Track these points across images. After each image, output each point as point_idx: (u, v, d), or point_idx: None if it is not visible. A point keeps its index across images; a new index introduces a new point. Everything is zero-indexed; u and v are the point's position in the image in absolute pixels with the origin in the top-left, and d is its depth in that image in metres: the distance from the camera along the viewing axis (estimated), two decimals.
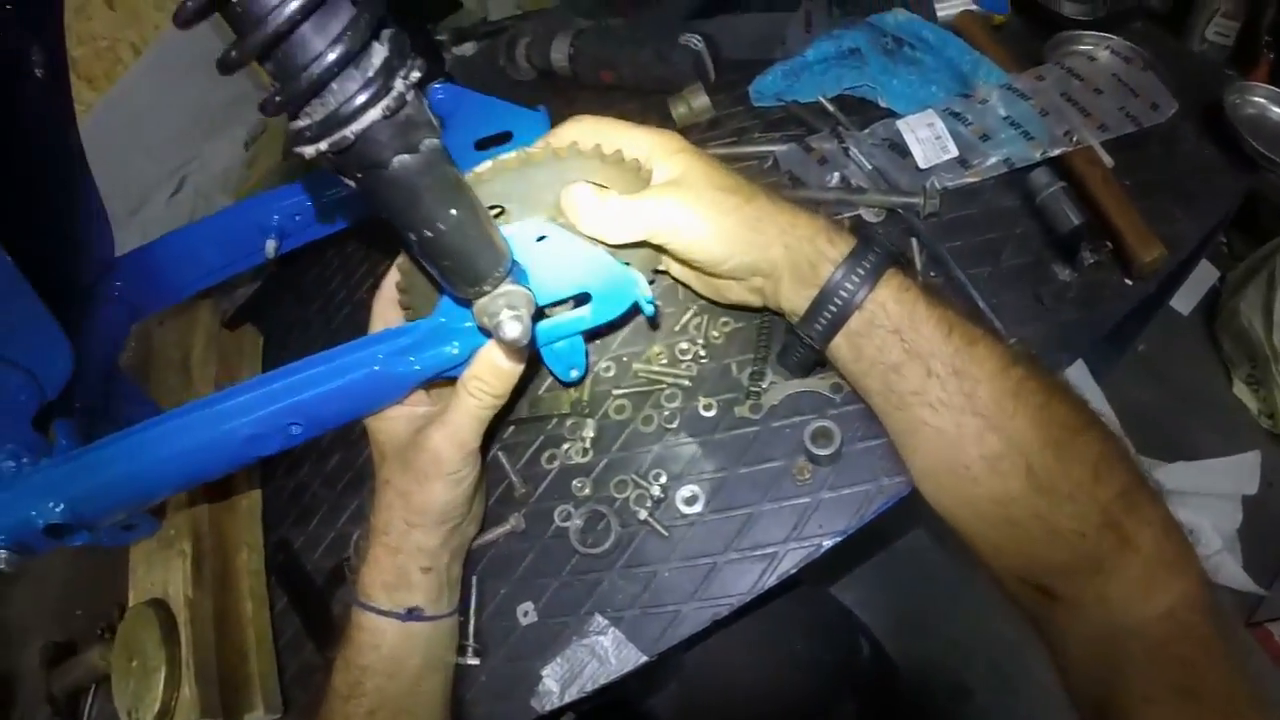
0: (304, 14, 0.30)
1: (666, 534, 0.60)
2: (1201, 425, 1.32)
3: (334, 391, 0.54)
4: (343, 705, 0.55)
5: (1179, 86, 0.79)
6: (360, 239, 0.93)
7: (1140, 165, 0.76)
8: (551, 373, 0.62)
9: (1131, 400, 1.29)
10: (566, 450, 0.66)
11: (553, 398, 0.67)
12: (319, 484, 0.79)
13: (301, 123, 0.34)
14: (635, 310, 0.57)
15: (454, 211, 0.40)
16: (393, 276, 0.56)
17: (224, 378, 0.85)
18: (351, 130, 0.33)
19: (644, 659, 0.58)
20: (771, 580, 0.58)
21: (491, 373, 0.51)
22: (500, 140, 0.73)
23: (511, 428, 0.69)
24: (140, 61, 1.15)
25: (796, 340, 0.55)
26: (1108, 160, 0.74)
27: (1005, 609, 0.52)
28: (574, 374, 0.62)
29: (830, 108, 0.78)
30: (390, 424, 0.56)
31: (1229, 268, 1.41)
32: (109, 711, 0.82)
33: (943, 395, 0.48)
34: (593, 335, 0.63)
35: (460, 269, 0.44)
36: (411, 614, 0.55)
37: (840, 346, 0.52)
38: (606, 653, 0.59)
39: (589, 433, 0.65)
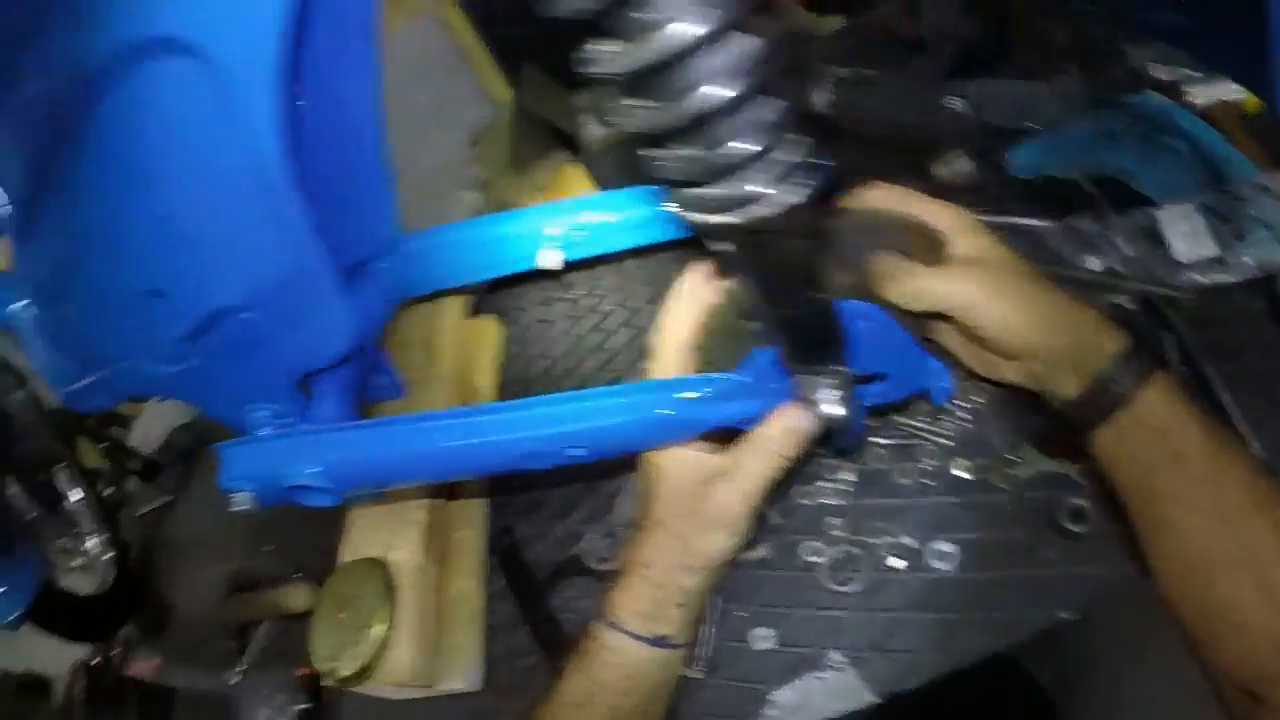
0: (751, 95, 0.33)
1: (914, 585, 0.64)
2: None
3: (624, 425, 0.58)
4: (574, 712, 0.59)
5: None
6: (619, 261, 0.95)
7: None
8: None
9: None
10: (821, 488, 0.70)
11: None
12: (554, 479, 0.83)
13: (702, 192, 0.37)
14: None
15: (819, 295, 0.45)
16: (691, 325, 0.60)
17: (465, 362, 0.90)
18: (770, 209, 0.36)
19: (875, 700, 0.62)
20: (1011, 643, 0.62)
21: (789, 437, 0.55)
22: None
23: None
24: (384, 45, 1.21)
25: (1061, 425, 0.58)
26: None
27: None
28: (852, 442, 0.66)
29: (1089, 187, 0.80)
30: (677, 466, 0.59)
31: None
32: (279, 647, 0.91)
33: (1192, 497, 0.51)
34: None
35: (806, 348, 0.49)
36: (660, 641, 0.58)
37: (1104, 436, 0.55)
38: (839, 689, 0.63)
39: (848, 475, 0.70)
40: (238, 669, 0.96)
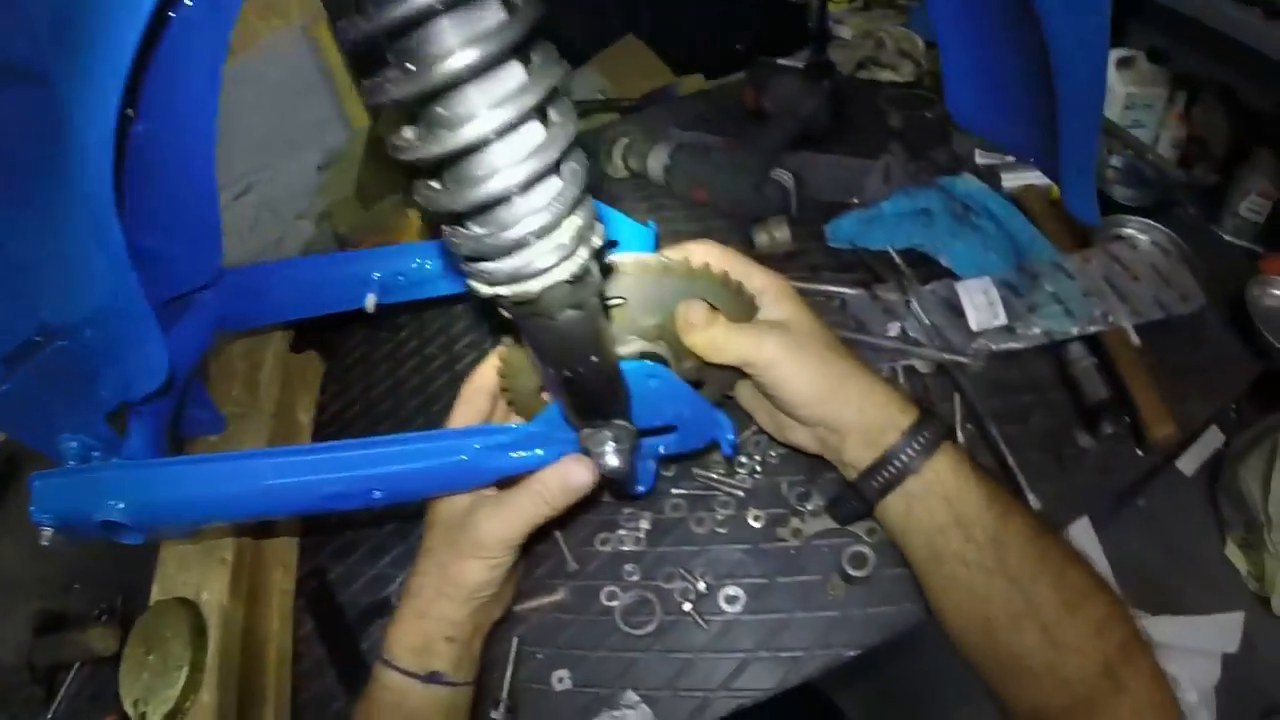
0: (522, 188, 0.36)
1: (705, 627, 0.67)
2: (1192, 582, 1.38)
3: (424, 471, 0.60)
4: None
5: (1210, 273, 0.88)
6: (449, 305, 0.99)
7: (1166, 347, 0.84)
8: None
9: (1128, 552, 1.36)
10: (621, 536, 0.73)
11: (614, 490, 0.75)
12: (365, 521, 0.84)
13: (485, 266, 0.39)
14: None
15: (594, 359, 0.47)
16: (492, 367, 0.63)
17: (286, 398, 0.90)
18: (535, 286, 0.39)
19: None
20: (795, 680, 0.64)
21: (561, 489, 0.57)
22: (607, 246, 0.81)
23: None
24: (236, 64, 1.18)
25: (850, 494, 0.61)
26: (1136, 341, 0.82)
27: None
28: (640, 490, 0.69)
29: (897, 259, 0.86)
30: (448, 498, 0.62)
31: (1235, 434, 1.49)
32: (89, 692, 0.86)
33: (978, 558, 0.54)
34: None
35: (586, 406, 0.52)
36: (432, 677, 0.59)
37: (891, 506, 0.58)
38: None
39: (645, 524, 0.73)
40: (48, 717, 0.89)
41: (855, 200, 0.92)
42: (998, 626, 0.54)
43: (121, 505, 0.62)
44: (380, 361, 0.98)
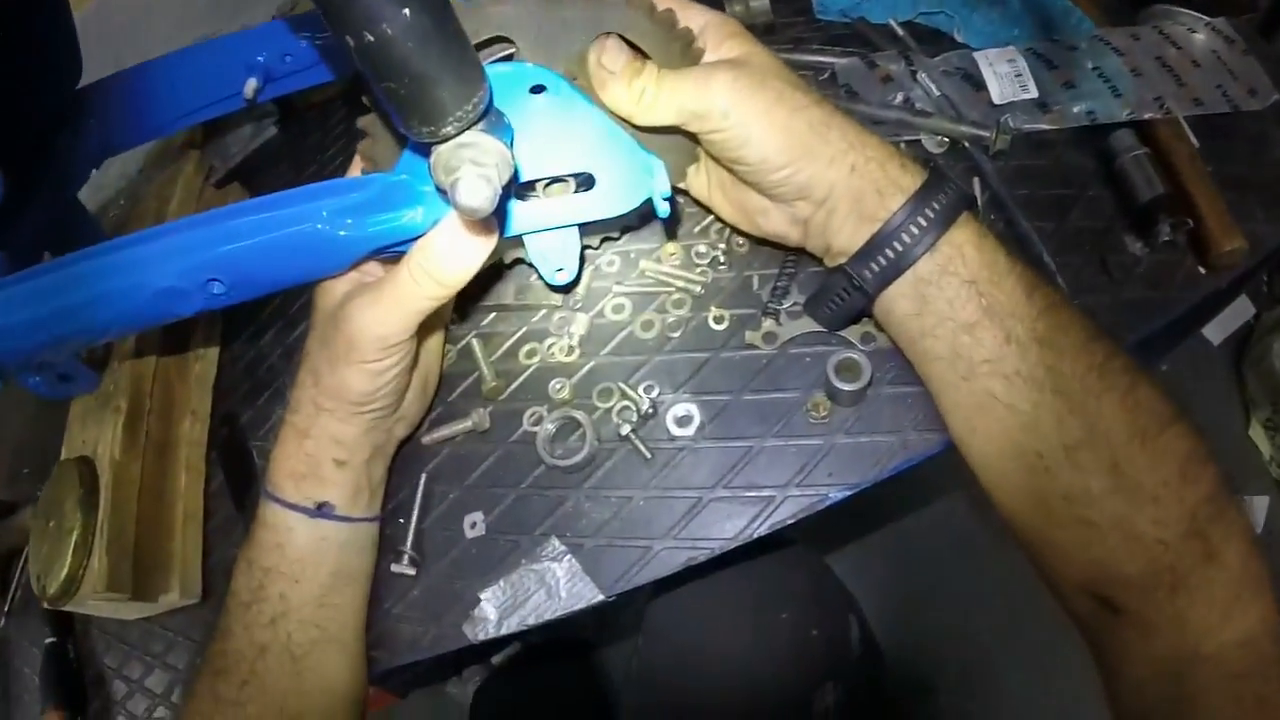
0: None
1: (649, 456, 0.52)
2: None
3: (263, 246, 0.45)
4: (243, 613, 0.48)
5: (1276, 83, 0.72)
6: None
7: (1227, 156, 0.68)
8: (534, 270, 0.54)
9: None
10: (550, 347, 0.58)
11: (543, 287, 0.59)
12: (278, 356, 0.71)
13: None
14: (646, 207, 0.48)
15: (406, 11, 0.30)
16: (359, 154, 0.48)
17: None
18: None
19: (599, 597, 0.50)
20: (762, 528, 0.50)
21: (440, 255, 0.41)
22: None
23: (492, 314, 0.61)
24: None
25: (842, 282, 0.46)
26: (1193, 139, 0.67)
27: (990, 612, 0.44)
28: (560, 276, 0.53)
29: (900, 32, 0.70)
30: (323, 291, 0.48)
31: (1267, 307, 1.34)
32: None
33: (1021, 366, 0.40)
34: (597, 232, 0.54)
35: (413, 95, 0.33)
36: (321, 510, 0.48)
37: (898, 298, 0.44)
38: (558, 584, 0.51)
39: (579, 329, 0.57)
40: (5, 608, 0.85)
41: None
42: (1048, 462, 0.40)
43: None
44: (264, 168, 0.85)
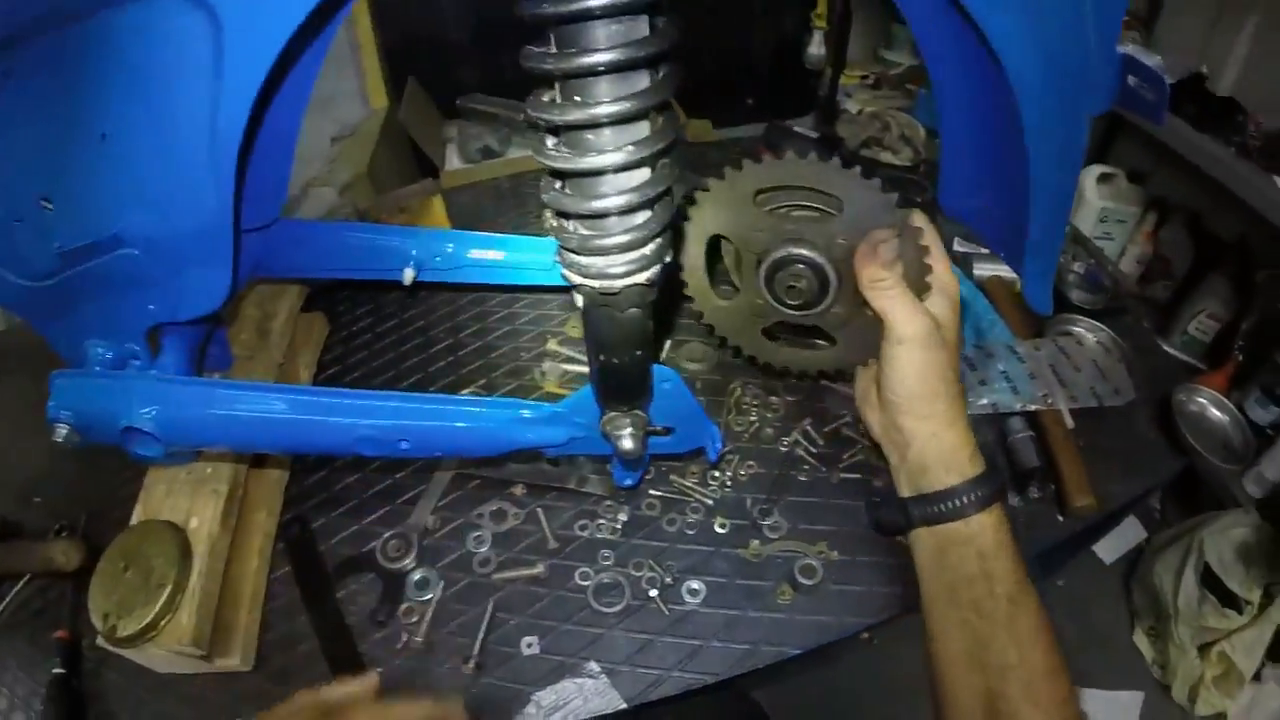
0: (627, 210, 0.52)
1: (668, 613, 0.79)
2: (1100, 662, 1.56)
3: (454, 430, 0.73)
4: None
5: (1149, 375, 1.06)
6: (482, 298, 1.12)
7: (1099, 432, 1.01)
8: (613, 474, 0.84)
9: None
10: (599, 524, 0.86)
11: (599, 480, 0.88)
12: (355, 479, 0.94)
13: (583, 260, 0.54)
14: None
15: (639, 353, 0.62)
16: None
17: (292, 350, 1.00)
18: (618, 285, 0.54)
19: (623, 705, 0.75)
20: (742, 669, 0.77)
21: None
22: None
23: (555, 493, 0.89)
24: None
25: (894, 508, 0.66)
26: (1069, 422, 0.99)
27: None
28: (628, 483, 0.84)
29: None
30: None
31: (1156, 531, 1.69)
32: (36, 605, 0.90)
33: (994, 611, 0.60)
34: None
35: (619, 391, 0.66)
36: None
37: (925, 540, 0.63)
38: (593, 694, 0.76)
39: (622, 516, 0.86)
40: None
41: None
42: (989, 670, 0.60)
43: (152, 413, 0.71)
44: (385, 334, 1.10)
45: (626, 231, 0.53)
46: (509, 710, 0.76)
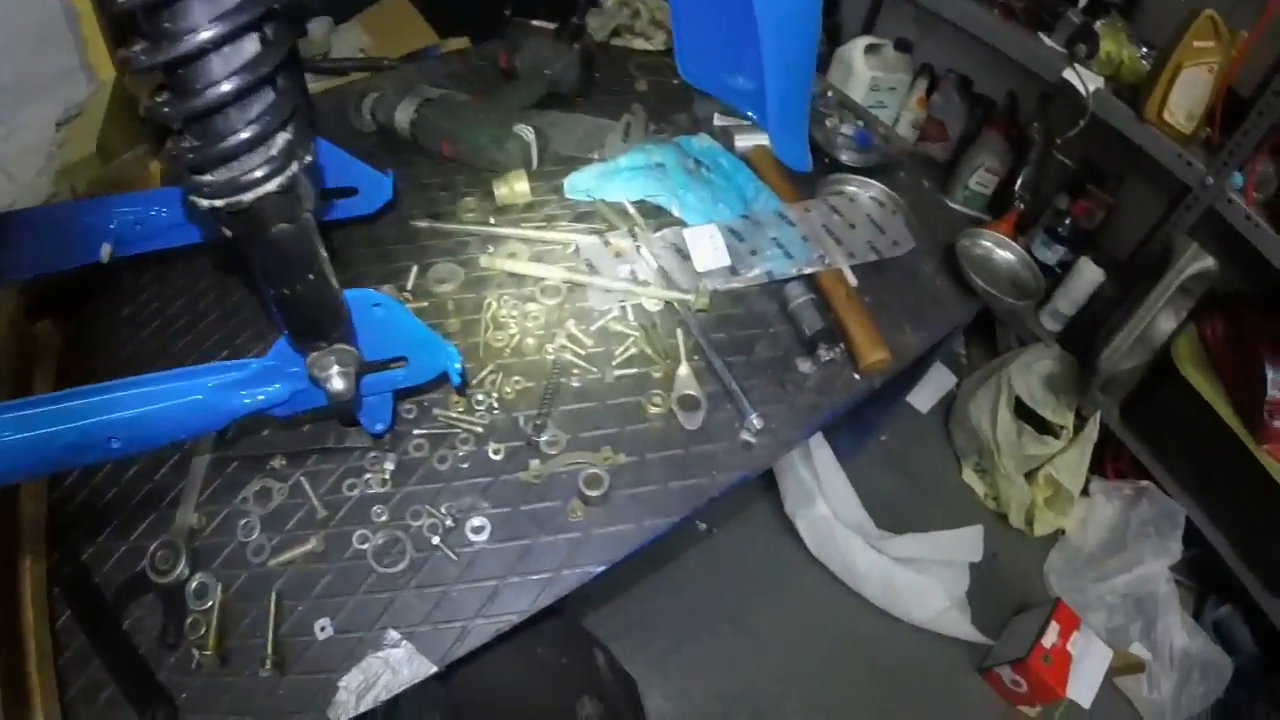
0: (236, 96, 0.44)
1: (456, 558, 0.75)
2: (935, 506, 1.65)
3: (160, 412, 0.65)
4: None
5: (930, 228, 1.09)
6: (213, 257, 1.01)
7: (883, 288, 1.03)
8: (360, 424, 0.78)
9: (873, 484, 1.58)
10: (367, 480, 0.80)
11: (358, 432, 0.82)
12: (114, 494, 0.85)
13: (205, 178, 0.47)
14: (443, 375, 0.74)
15: (310, 276, 0.55)
16: None
17: (23, 369, 0.89)
18: (248, 197, 0.47)
19: (434, 669, 0.71)
20: (546, 600, 0.74)
21: None
22: (345, 193, 0.88)
23: (315, 455, 0.82)
24: None
25: None
26: (852, 280, 1.00)
27: None
28: (379, 428, 0.77)
29: (631, 210, 0.99)
30: None
31: (965, 375, 1.79)
32: None
33: None
34: (402, 394, 0.78)
35: (305, 325, 0.59)
36: None
37: None
38: (400, 664, 0.71)
39: (389, 465, 0.80)
40: None
41: (595, 156, 1.04)
42: None
43: None
44: (120, 326, 0.98)
45: (242, 127, 0.45)
46: (320, 704, 0.71)
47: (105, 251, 0.83)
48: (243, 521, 0.80)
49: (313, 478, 0.81)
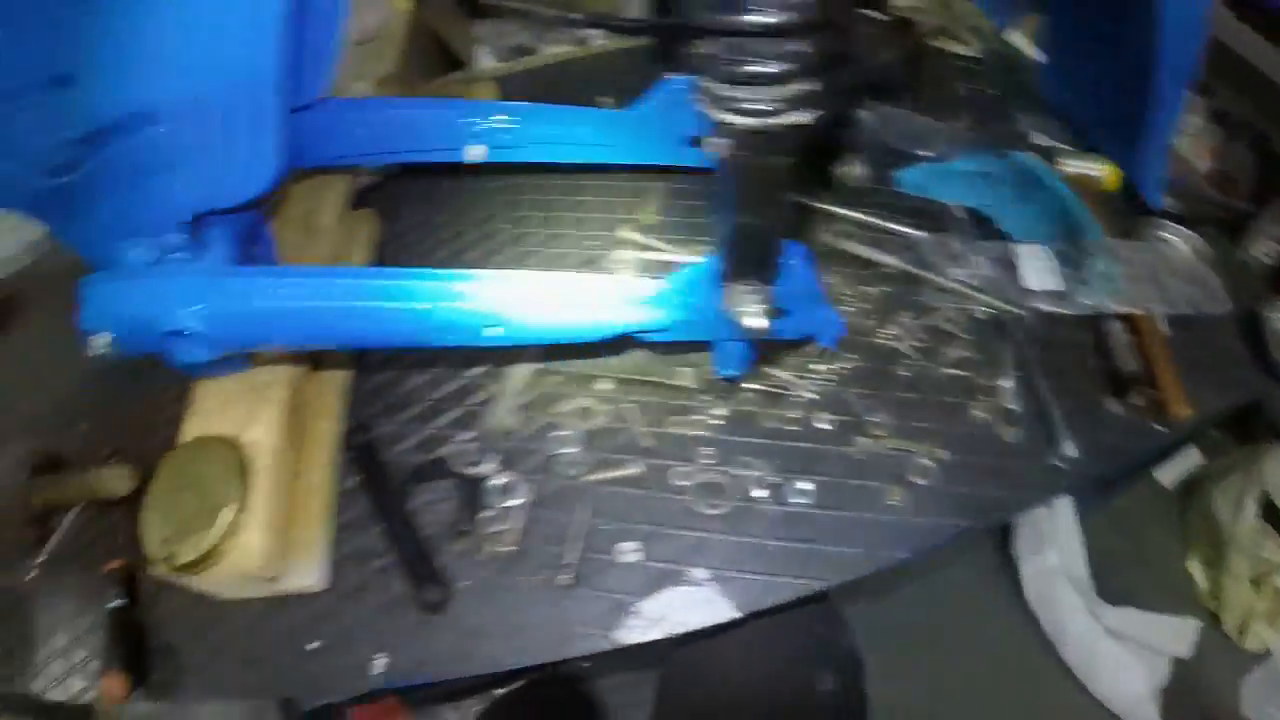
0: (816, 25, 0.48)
1: (775, 513, 0.78)
2: (1150, 585, 1.58)
3: (554, 313, 0.70)
4: None
5: (1233, 288, 1.05)
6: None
7: (1189, 342, 1.00)
8: (714, 362, 0.81)
9: (1100, 546, 1.53)
10: (694, 420, 0.84)
11: (693, 373, 0.86)
12: (422, 380, 0.91)
13: (753, 93, 0.50)
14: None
15: (778, 211, 0.59)
16: None
17: (341, 250, 0.94)
18: (784, 120, 0.51)
19: (735, 614, 0.74)
20: (854, 574, 0.75)
21: None
22: None
23: (645, 386, 0.87)
24: None
25: None
26: (1165, 329, 0.98)
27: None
28: (730, 372, 0.81)
29: (961, 214, 1.01)
30: None
31: (1214, 457, 1.71)
32: (88, 536, 0.88)
33: None
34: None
35: (751, 259, 0.63)
36: None
37: None
38: (700, 603, 0.74)
39: (719, 411, 0.84)
40: (36, 561, 0.90)
41: (925, 154, 1.06)
42: None
43: (198, 311, 0.65)
44: (440, 227, 1.05)
45: (789, 57, 0.48)
46: (608, 623, 0.75)
47: (475, 152, 0.89)
48: (558, 433, 0.84)
49: (640, 407, 0.85)
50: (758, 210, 0.59)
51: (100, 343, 0.68)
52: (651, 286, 0.71)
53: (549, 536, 0.79)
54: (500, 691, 1.26)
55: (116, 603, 0.82)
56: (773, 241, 0.62)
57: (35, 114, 0.58)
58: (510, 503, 0.81)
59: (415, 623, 0.77)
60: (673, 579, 0.76)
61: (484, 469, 0.83)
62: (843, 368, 0.87)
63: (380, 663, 0.75)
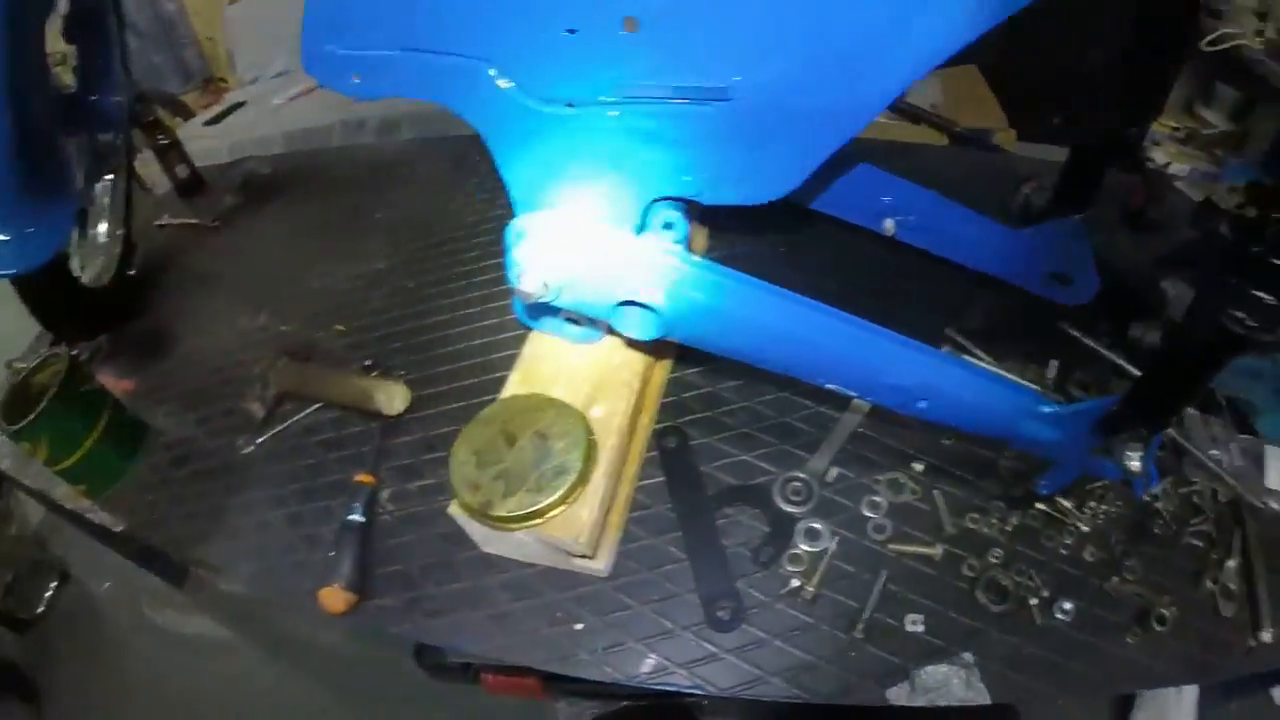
0: None
1: (1040, 623, 0.92)
2: None
3: (967, 401, 0.80)
4: None
5: None
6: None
7: None
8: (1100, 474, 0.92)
9: None
10: (990, 521, 0.97)
11: (994, 483, 0.99)
12: (740, 408, 1.02)
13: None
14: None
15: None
16: None
17: None
18: None
19: (987, 702, 0.87)
20: (1084, 693, 0.91)
21: None
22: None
23: (952, 479, 0.99)
24: None
25: None
26: None
27: None
28: (1046, 489, 0.93)
29: (1222, 399, 1.14)
30: None
31: None
32: (323, 435, 0.96)
33: None
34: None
35: (1160, 412, 0.75)
36: None
37: None
38: (962, 683, 0.87)
39: (1012, 520, 0.97)
40: (256, 439, 0.98)
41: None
42: None
43: (668, 291, 0.71)
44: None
45: None
46: (884, 680, 0.86)
47: (889, 225, 1.00)
48: (870, 498, 0.96)
49: (946, 495, 0.98)
50: (1199, 376, 0.69)
51: (535, 288, 0.73)
52: (1054, 409, 0.82)
53: (844, 589, 0.91)
54: (625, 704, 1.34)
55: (355, 517, 0.87)
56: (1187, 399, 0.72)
57: (585, 41, 0.61)
58: (816, 547, 0.93)
59: (695, 634, 0.87)
60: (946, 656, 0.89)
61: (800, 509, 0.94)
62: (1109, 510, 1.00)
63: (650, 661, 0.84)
